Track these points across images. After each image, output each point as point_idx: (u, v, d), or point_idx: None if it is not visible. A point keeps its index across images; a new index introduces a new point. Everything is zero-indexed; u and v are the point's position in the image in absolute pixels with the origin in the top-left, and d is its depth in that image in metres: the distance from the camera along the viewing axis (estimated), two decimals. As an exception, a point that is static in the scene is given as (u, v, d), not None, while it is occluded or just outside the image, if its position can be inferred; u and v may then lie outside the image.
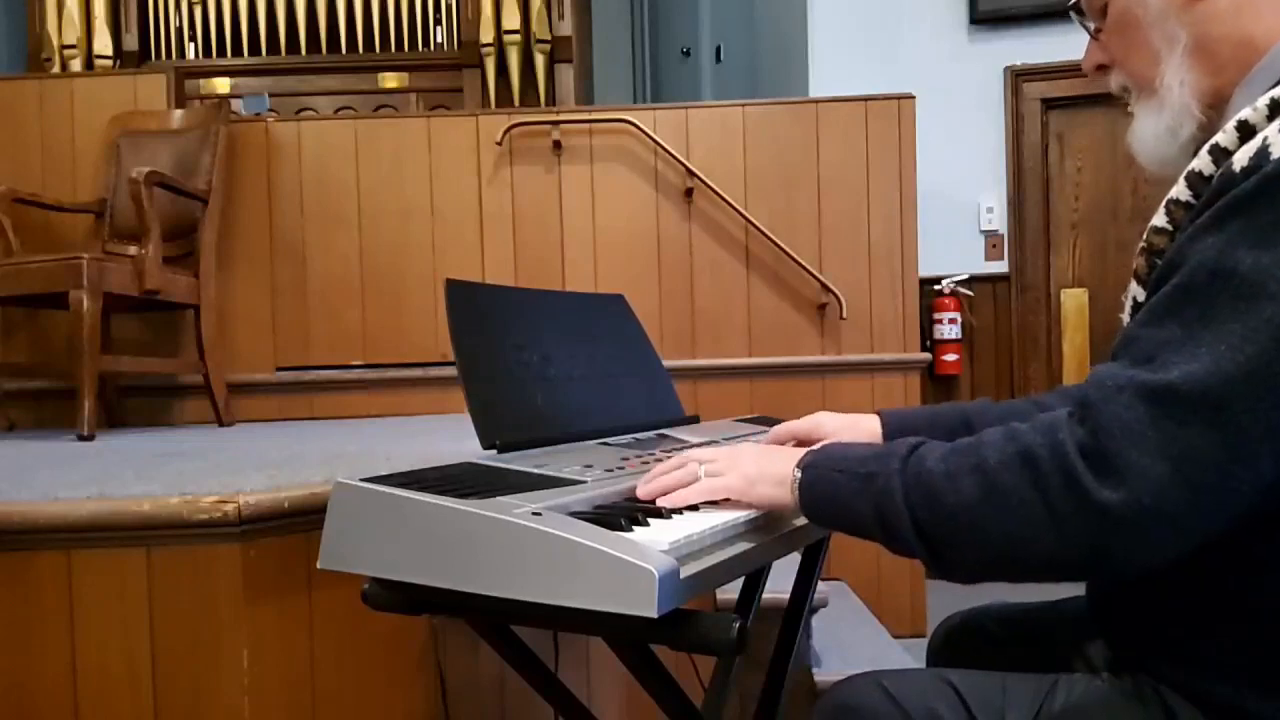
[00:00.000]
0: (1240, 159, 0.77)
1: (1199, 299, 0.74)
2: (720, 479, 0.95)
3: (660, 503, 0.95)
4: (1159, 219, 0.88)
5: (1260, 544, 0.78)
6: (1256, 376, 0.70)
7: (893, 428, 1.16)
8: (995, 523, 0.76)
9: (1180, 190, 0.86)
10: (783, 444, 1.18)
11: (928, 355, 3.64)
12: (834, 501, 0.87)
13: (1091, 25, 1.00)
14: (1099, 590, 0.98)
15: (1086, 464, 0.73)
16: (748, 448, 1.01)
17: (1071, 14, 1.03)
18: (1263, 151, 0.75)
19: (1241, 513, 0.74)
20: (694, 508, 0.96)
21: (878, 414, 1.20)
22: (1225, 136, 0.82)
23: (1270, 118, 0.79)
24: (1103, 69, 1.00)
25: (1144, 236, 0.90)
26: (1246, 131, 0.80)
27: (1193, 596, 0.84)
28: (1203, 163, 0.84)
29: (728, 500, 0.96)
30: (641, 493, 0.97)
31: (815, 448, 0.94)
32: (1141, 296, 0.89)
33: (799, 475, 0.91)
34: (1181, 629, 0.85)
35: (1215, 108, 0.91)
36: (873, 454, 0.87)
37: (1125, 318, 0.92)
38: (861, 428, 1.17)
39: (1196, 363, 0.72)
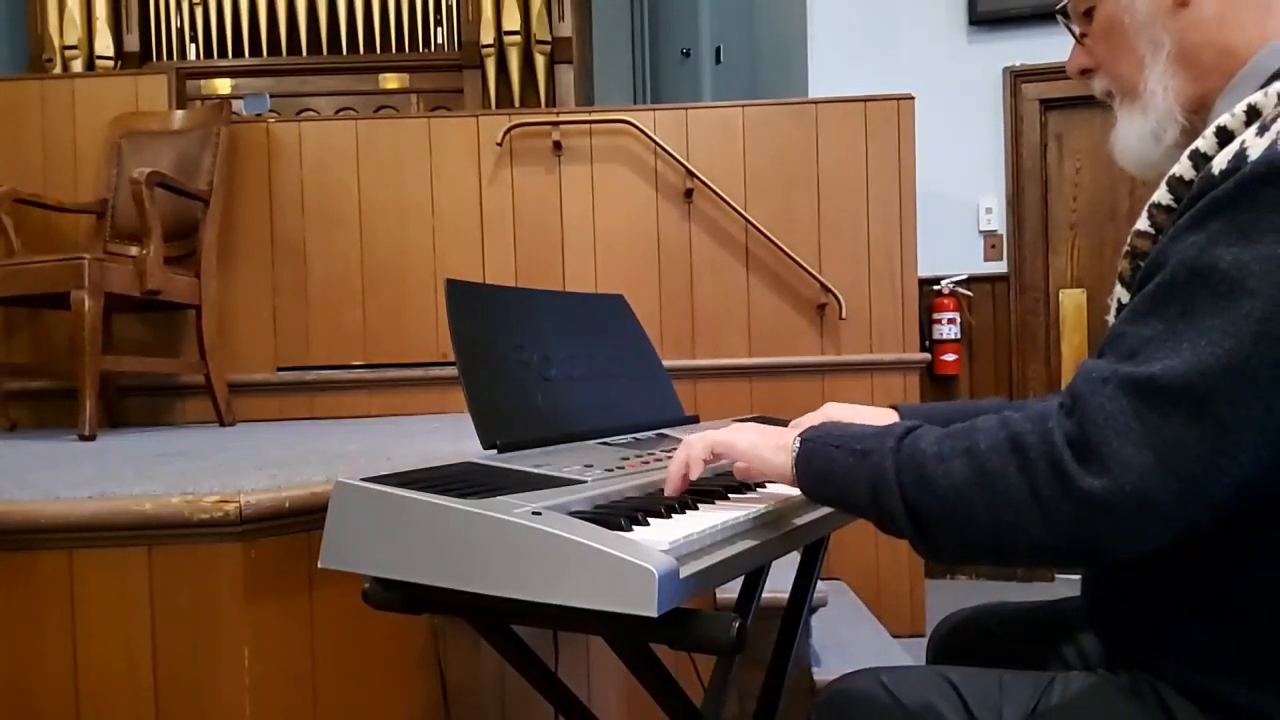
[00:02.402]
0: (1219, 162, 0.79)
1: (1180, 296, 0.76)
2: (724, 436, 0.97)
3: (670, 469, 0.99)
4: (1142, 223, 0.90)
5: (1251, 540, 0.79)
6: (1236, 370, 0.71)
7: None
8: (983, 505, 0.77)
9: (1161, 194, 0.88)
10: None
11: (927, 355, 3.65)
12: (829, 476, 0.89)
13: (1077, 30, 1.02)
14: (1094, 587, 0.98)
15: (1072, 453, 0.74)
16: (751, 424, 1.03)
17: (1058, 17, 1.04)
18: (1240, 154, 0.77)
19: (1227, 504, 0.74)
20: (694, 506, 0.96)
21: (894, 408, 1.20)
22: (1205, 142, 0.84)
23: (1247, 123, 0.81)
24: (1087, 73, 1.02)
25: (1128, 240, 0.91)
26: (1225, 137, 0.82)
27: (1187, 593, 0.84)
28: (1183, 168, 0.86)
29: (730, 499, 0.96)
30: (669, 491, 1.00)
31: (817, 424, 0.95)
32: (1126, 298, 0.91)
33: (798, 447, 0.92)
34: (1176, 625, 0.86)
35: (1198, 113, 0.93)
36: (870, 433, 0.88)
37: (1111, 319, 0.93)
38: (878, 422, 1.17)
39: (1178, 357, 0.73)
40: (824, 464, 0.89)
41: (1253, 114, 0.81)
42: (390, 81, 5.25)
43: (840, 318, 3.32)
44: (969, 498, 0.78)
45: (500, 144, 3.38)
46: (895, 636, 2.71)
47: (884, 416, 1.18)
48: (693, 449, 0.99)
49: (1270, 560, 0.80)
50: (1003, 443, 0.78)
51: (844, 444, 0.88)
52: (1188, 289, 0.75)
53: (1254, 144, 0.77)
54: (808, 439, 0.92)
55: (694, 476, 0.99)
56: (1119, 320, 0.81)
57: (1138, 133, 0.96)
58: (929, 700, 0.91)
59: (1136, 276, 0.87)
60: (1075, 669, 1.06)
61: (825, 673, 2.31)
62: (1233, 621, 0.82)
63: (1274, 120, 0.77)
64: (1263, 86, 0.84)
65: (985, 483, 0.77)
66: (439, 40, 5.29)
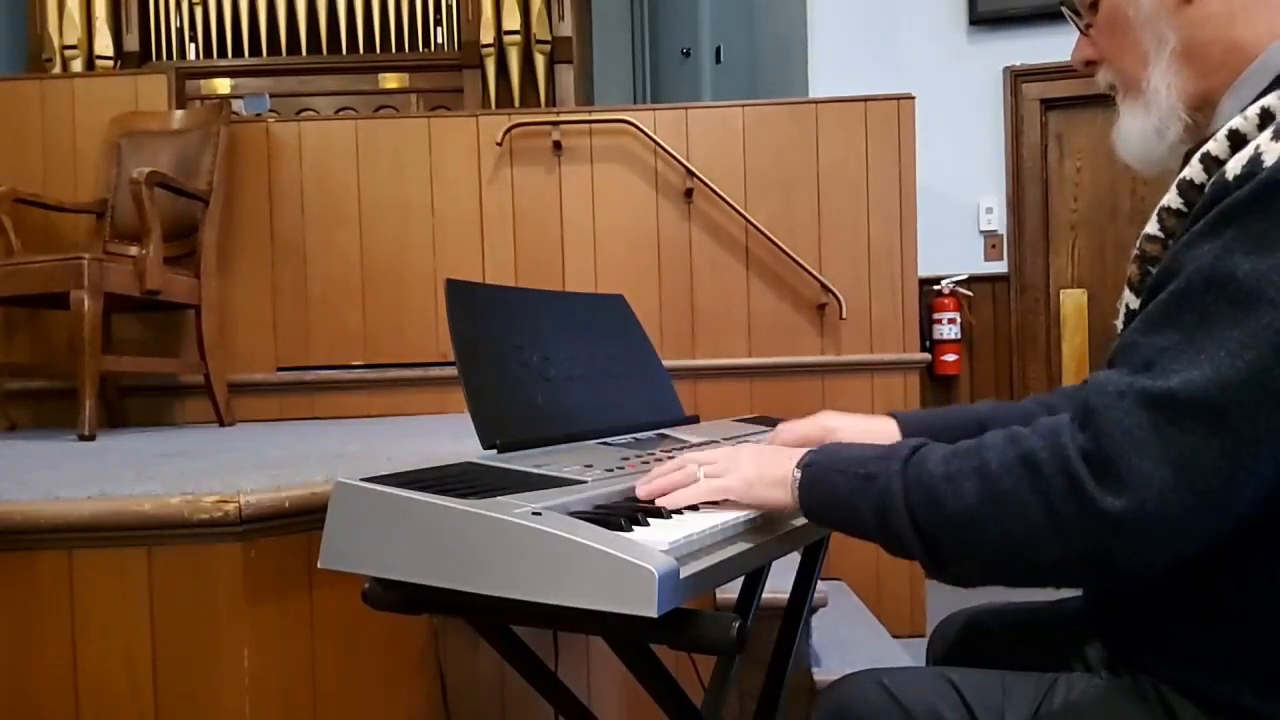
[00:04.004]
0: (1233, 167, 0.77)
1: (1197, 306, 0.74)
2: (719, 480, 0.95)
3: (660, 503, 0.94)
4: (1151, 227, 0.88)
5: (1258, 544, 0.79)
6: (1255, 383, 0.70)
7: (911, 434, 1.14)
8: (996, 526, 0.76)
9: (1172, 198, 0.86)
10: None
11: (927, 355, 3.64)
12: (834, 502, 0.87)
13: (1082, 21, 1.01)
14: (1096, 592, 0.98)
15: (1089, 469, 0.73)
16: (747, 449, 1.01)
17: (1063, 9, 1.03)
18: (1255, 159, 0.76)
19: (1243, 516, 0.74)
20: (694, 507, 0.96)
21: (891, 416, 1.19)
22: (1216, 145, 0.83)
23: (1261, 126, 0.80)
24: (1092, 64, 1.01)
25: (1137, 244, 0.90)
26: (1237, 140, 0.81)
27: (1192, 597, 0.84)
28: (1194, 171, 0.84)
29: (728, 500, 0.96)
30: (641, 492, 0.97)
31: (814, 447, 0.94)
32: (1135, 304, 0.90)
33: (798, 476, 0.90)
34: (1181, 629, 0.85)
35: (1202, 110, 0.92)
36: (873, 455, 0.87)
37: (1120, 325, 0.92)
38: (876, 432, 1.15)
39: (1196, 370, 0.72)
40: (827, 490, 0.88)
41: (1266, 117, 0.80)
42: (390, 81, 5.25)
43: (840, 318, 3.32)
44: (981, 518, 0.77)
45: (500, 144, 3.38)
46: (895, 636, 2.71)
47: (880, 424, 1.17)
48: (685, 491, 0.95)
49: (1273, 563, 0.79)
50: (1014, 461, 0.76)
51: (847, 468, 0.87)
52: (1204, 298, 0.74)
53: (1269, 149, 0.75)
54: (808, 466, 0.90)
55: (675, 505, 0.95)
56: (1131, 329, 0.80)
57: (1140, 129, 0.95)
58: (930, 701, 0.91)
59: (1146, 282, 0.86)
60: (1077, 669, 1.06)
61: (825, 673, 2.30)
62: (1237, 624, 0.82)
63: None
64: (1272, 85, 0.83)
65: (998, 503, 0.76)
66: (439, 40, 5.29)
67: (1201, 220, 0.78)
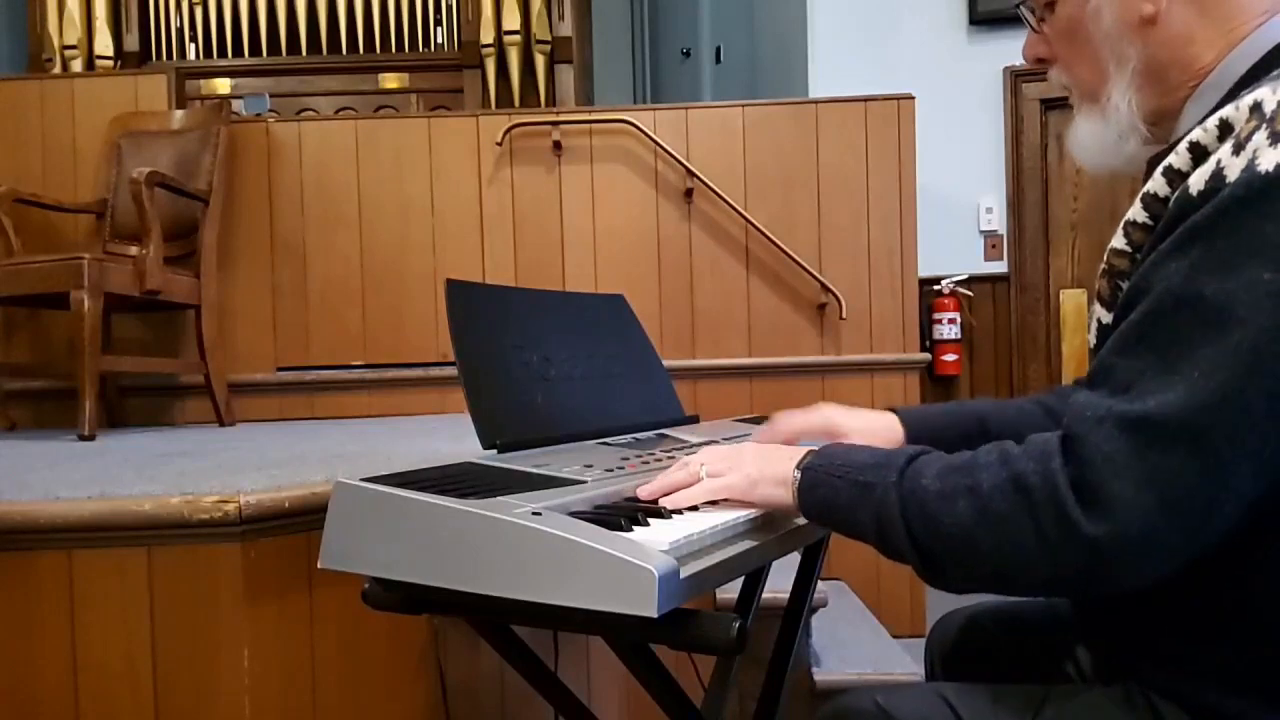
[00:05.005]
0: (1196, 183, 0.77)
1: (1168, 326, 0.75)
2: (721, 479, 0.96)
3: (662, 503, 0.95)
4: (1118, 241, 0.89)
5: (1248, 552, 0.79)
6: (1230, 401, 0.71)
7: (914, 430, 1.15)
8: (988, 545, 0.77)
9: (1137, 212, 0.86)
10: (787, 440, 1.16)
11: (927, 355, 3.64)
12: (833, 506, 0.88)
13: (1034, 18, 1.01)
14: (1083, 600, 0.98)
15: (1076, 497, 0.74)
16: (749, 447, 1.01)
17: (1019, 9, 1.04)
18: (1218, 174, 0.75)
19: (1225, 530, 0.74)
20: (694, 507, 0.96)
21: (893, 411, 1.19)
22: (1178, 158, 0.82)
23: (1220, 138, 0.79)
24: (1043, 62, 1.02)
25: (1104, 259, 0.91)
26: (1198, 153, 0.80)
27: (1181, 605, 0.84)
28: (1157, 185, 0.84)
29: (728, 500, 0.96)
30: (643, 493, 0.98)
31: (816, 448, 0.94)
32: (1106, 318, 0.90)
33: (799, 477, 0.91)
34: (1171, 637, 0.86)
35: (1160, 125, 0.92)
36: (872, 462, 0.88)
37: (1091, 339, 0.93)
38: (878, 429, 1.15)
39: (1172, 392, 0.72)
40: (828, 493, 0.89)
41: (1225, 128, 0.79)
42: (390, 81, 5.25)
43: (840, 318, 3.32)
44: (975, 537, 0.78)
45: (500, 144, 3.38)
46: (895, 636, 2.71)
47: (880, 419, 1.17)
48: (688, 490, 0.96)
49: (1261, 571, 0.79)
50: (1005, 483, 0.77)
51: (846, 474, 0.88)
52: (1175, 318, 0.74)
53: (1230, 163, 0.75)
54: (809, 468, 0.91)
55: (677, 505, 0.95)
56: (1107, 350, 0.80)
57: (1099, 140, 0.96)
58: (925, 718, 0.91)
59: (1116, 297, 0.87)
60: (1070, 671, 1.07)
61: (825, 673, 2.31)
62: (1229, 632, 0.82)
63: (1248, 137, 0.75)
64: (1229, 96, 0.84)
65: (990, 524, 0.77)
66: (439, 40, 5.29)
67: (1168, 238, 0.78)
